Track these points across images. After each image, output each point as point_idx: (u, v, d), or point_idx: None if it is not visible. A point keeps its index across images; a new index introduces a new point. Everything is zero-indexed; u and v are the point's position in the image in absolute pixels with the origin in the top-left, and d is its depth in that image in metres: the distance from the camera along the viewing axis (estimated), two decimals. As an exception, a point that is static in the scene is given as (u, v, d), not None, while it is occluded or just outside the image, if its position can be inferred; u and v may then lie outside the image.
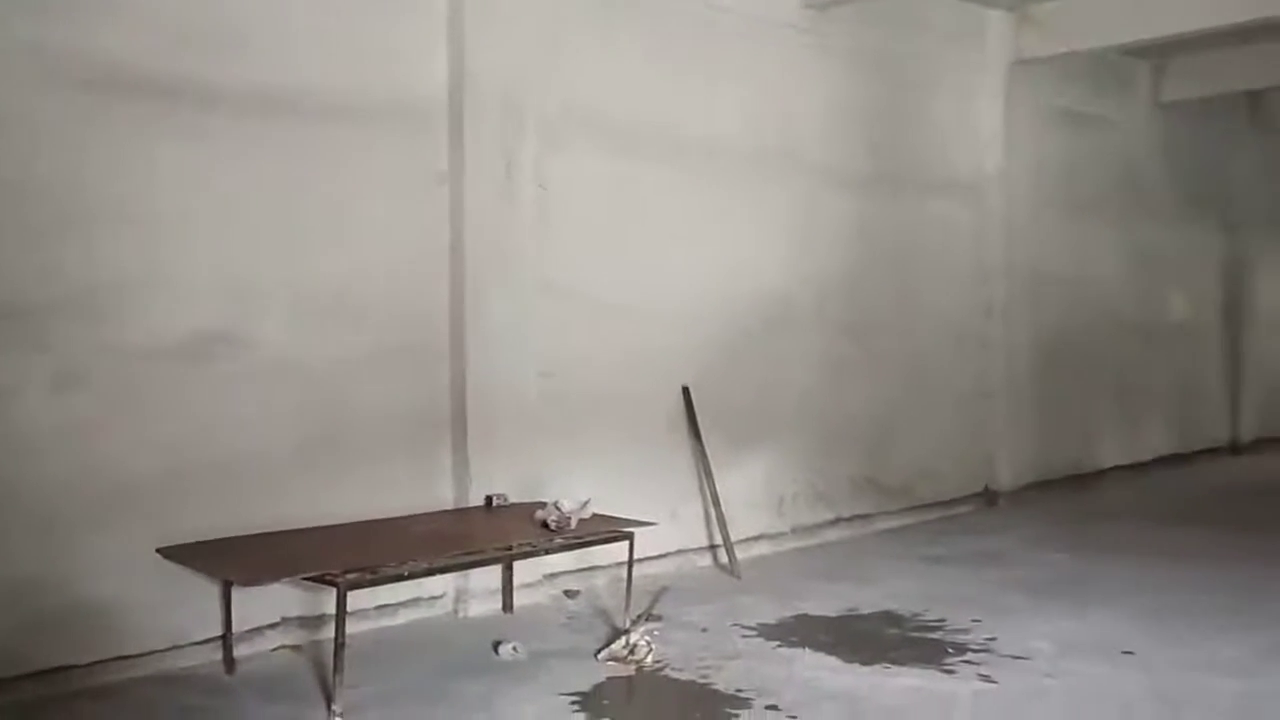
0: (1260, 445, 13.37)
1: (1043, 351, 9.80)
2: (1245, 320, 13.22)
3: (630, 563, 5.32)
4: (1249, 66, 10.75)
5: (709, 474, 6.83)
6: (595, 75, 6.37)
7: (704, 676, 4.63)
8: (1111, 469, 10.80)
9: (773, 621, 5.54)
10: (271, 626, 5.03)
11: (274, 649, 4.99)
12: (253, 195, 5.05)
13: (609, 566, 6.06)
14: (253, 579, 4.41)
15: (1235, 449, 13.02)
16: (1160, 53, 10.71)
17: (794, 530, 7.61)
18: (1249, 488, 10.48)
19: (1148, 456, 11.44)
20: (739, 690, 4.43)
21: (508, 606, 5.72)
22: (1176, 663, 4.88)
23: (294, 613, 5.09)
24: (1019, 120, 9.43)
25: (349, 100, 5.37)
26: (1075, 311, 10.31)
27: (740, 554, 6.87)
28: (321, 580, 4.31)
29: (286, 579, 4.51)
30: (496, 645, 5.00)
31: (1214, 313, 12.88)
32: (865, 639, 5.26)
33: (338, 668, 4.17)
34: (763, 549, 7.30)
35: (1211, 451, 12.62)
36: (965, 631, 5.34)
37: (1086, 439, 10.61)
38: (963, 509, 8.92)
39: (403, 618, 5.47)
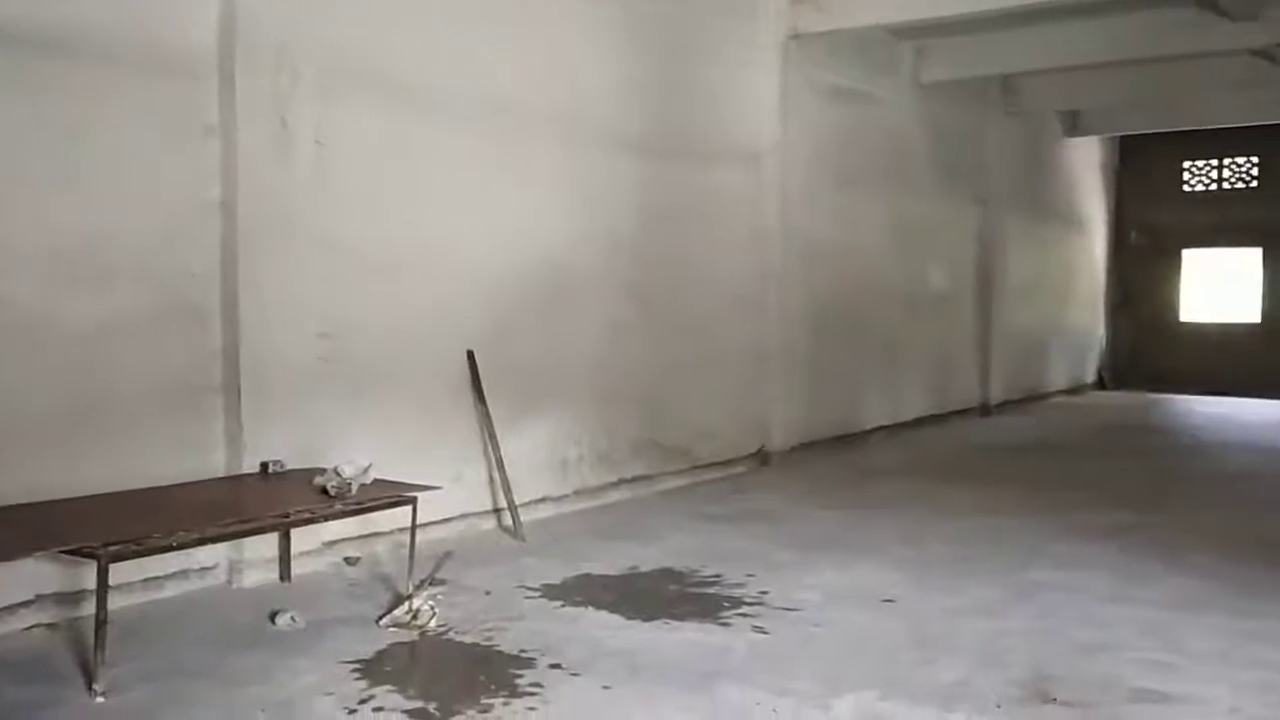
0: (1007, 406, 14.45)
1: (814, 317, 10.25)
2: (995, 290, 14.21)
3: (413, 528, 5.26)
4: (1001, 52, 11.52)
5: (493, 437, 6.82)
6: (377, 29, 6.18)
7: (488, 639, 4.65)
8: (876, 429, 11.43)
9: (557, 582, 5.61)
10: (25, 604, 4.71)
11: (27, 628, 4.67)
12: (4, 143, 4.67)
13: (392, 532, 5.98)
14: (3, 554, 4.10)
15: (985, 410, 14.01)
16: (922, 35, 11.33)
17: (578, 492, 7.69)
18: (999, 446, 11.31)
19: (909, 417, 12.16)
20: (523, 651, 4.46)
21: (285, 576, 5.56)
22: (934, 608, 5.23)
23: (51, 589, 4.78)
24: (794, 94, 9.78)
25: (107, 42, 5.01)
26: (844, 279, 10.81)
27: (525, 517, 6.90)
28: (80, 553, 4.06)
29: (41, 553, 4.22)
30: (273, 615, 4.85)
31: (969, 283, 13.79)
32: (646, 596, 5.39)
33: (99, 645, 3.95)
34: (547, 511, 7.35)
35: (965, 412, 13.54)
36: (740, 586, 5.55)
37: (854, 401, 11.18)
38: (739, 469, 9.24)
39: (171, 590, 5.22)
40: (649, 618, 4.98)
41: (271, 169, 5.58)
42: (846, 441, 10.78)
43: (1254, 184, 17.80)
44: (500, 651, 4.48)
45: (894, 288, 11.85)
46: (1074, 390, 17.25)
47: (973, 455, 10.69)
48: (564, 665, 4.28)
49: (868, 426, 11.35)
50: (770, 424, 9.70)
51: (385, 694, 3.99)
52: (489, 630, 4.76)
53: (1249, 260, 17.96)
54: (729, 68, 9.14)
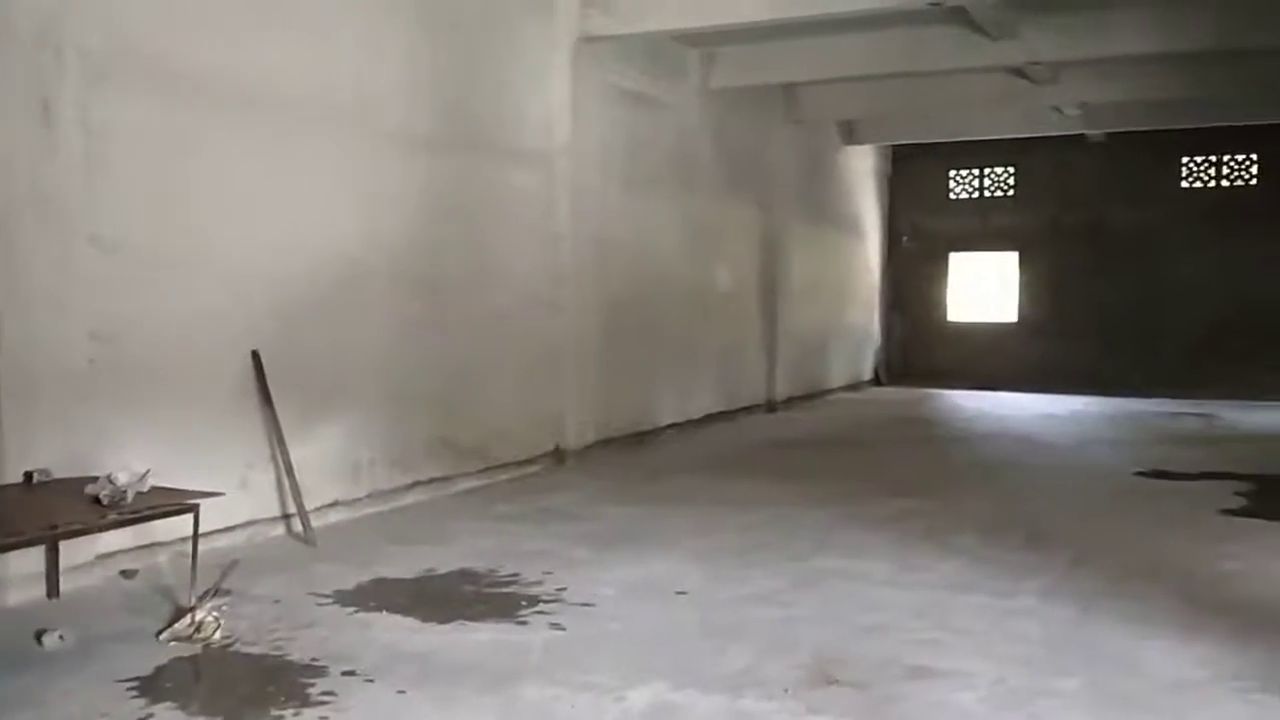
0: (792, 403, 15.02)
1: (607, 316, 10.38)
2: (780, 291, 14.75)
3: (195, 536, 5.01)
4: (784, 61, 11.99)
5: (281, 441, 6.60)
6: (158, 15, 5.88)
7: (277, 648, 4.50)
8: (668, 426, 11.67)
9: (349, 588, 5.48)
10: None
11: None
12: None
13: (173, 542, 5.68)
14: None
15: (772, 407, 14.52)
16: (709, 42, 11.67)
17: (371, 495, 7.53)
18: (785, 441, 11.73)
19: (699, 414, 12.48)
20: (314, 659, 4.35)
21: (53, 592, 5.21)
22: (724, 598, 5.40)
23: None
24: (586, 96, 9.88)
25: None
26: (636, 279, 11.00)
27: (316, 522, 6.71)
28: None
29: None
30: (40, 635, 4.54)
31: (754, 284, 14.25)
32: (442, 598, 5.34)
33: None
34: (340, 516, 7.16)
35: (752, 409, 13.99)
36: (538, 584, 5.57)
37: (647, 399, 11.38)
38: (535, 468, 9.26)
39: (-79, 613, 4.84)
40: (445, 620, 4.94)
41: (31, 158, 5.23)
42: (640, 439, 10.96)
43: (1011, 193, 19.16)
44: (290, 661, 4.35)
45: (684, 289, 12.13)
46: (853, 387, 18.10)
47: (761, 450, 11.06)
48: (358, 672, 4.20)
49: (661, 424, 11.58)
50: (565, 423, 9.77)
51: (165, 712, 3.81)
52: (278, 640, 4.61)
53: (1007, 263, 19.31)
54: (522, 67, 9.15)
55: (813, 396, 16.08)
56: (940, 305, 19.96)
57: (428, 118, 8.08)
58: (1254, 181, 17.60)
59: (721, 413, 13.07)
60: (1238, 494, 8.29)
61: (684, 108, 11.98)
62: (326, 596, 5.32)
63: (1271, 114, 14.39)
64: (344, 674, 4.18)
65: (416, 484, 7.97)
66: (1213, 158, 17.73)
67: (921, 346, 19.89)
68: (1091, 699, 4.01)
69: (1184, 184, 18.00)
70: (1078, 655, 4.51)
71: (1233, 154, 17.60)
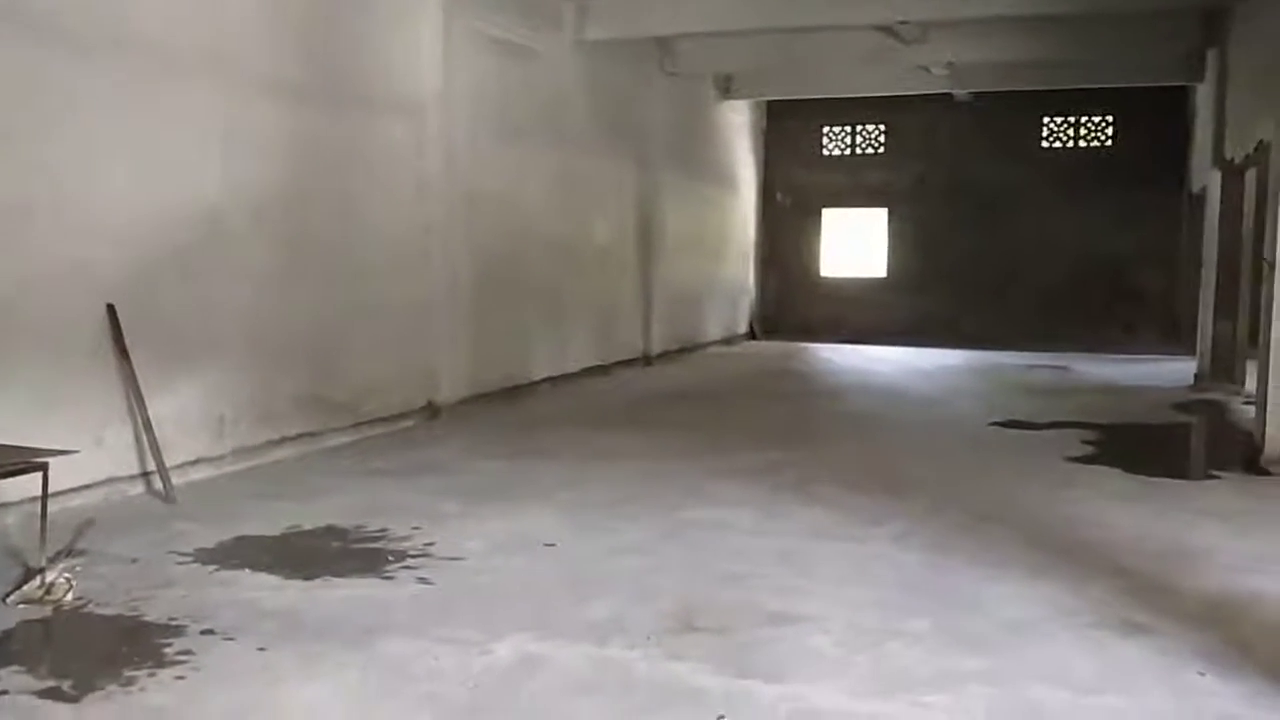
0: (667, 356, 15.18)
1: (480, 270, 10.30)
2: (655, 245, 14.83)
3: (44, 495, 4.82)
4: (658, 13, 11.99)
5: (139, 396, 6.40)
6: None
7: (133, 609, 4.40)
8: (543, 380, 11.68)
9: (211, 546, 5.37)
10: None
11: None
12: None
13: (21, 502, 5.47)
14: None
15: (648, 360, 14.65)
16: (584, -8, 11.59)
17: (236, 452, 7.36)
18: (660, 394, 11.87)
19: (575, 368, 12.51)
20: (172, 619, 4.26)
21: (-110, 557, 5.00)
22: (592, 549, 5.46)
23: None
24: (457, 45, 9.72)
25: None
26: (510, 233, 10.93)
27: (179, 479, 6.55)
28: None
29: None
30: (-123, 600, 4.36)
31: (630, 238, 14.30)
32: (308, 555, 5.28)
33: None
34: (204, 473, 7.00)
35: (629, 363, 14.09)
36: (406, 539, 5.55)
37: (521, 353, 11.36)
38: (407, 423, 9.18)
39: None
40: (309, 577, 4.89)
41: None
42: (515, 393, 10.95)
43: (881, 150, 19.58)
44: (147, 621, 4.26)
45: (559, 242, 12.10)
46: (728, 340, 18.36)
47: (636, 403, 11.16)
48: (217, 630, 4.13)
49: (536, 378, 11.57)
50: (439, 377, 9.69)
51: (11, 676, 3.70)
52: (135, 600, 4.50)
53: (878, 220, 19.77)
54: (391, 15, 8.94)
55: (688, 350, 16.27)
56: (813, 261, 20.35)
57: (292, 64, 7.85)
58: (1109, 143, 18.35)
59: (598, 366, 13.13)
60: (1085, 442, 8.72)
61: (558, 59, 11.88)
62: (186, 555, 5.21)
63: (1128, 77, 14.98)
64: (202, 633, 4.11)
65: (284, 440, 7.82)
66: (1072, 119, 18.41)
67: (795, 301, 20.27)
68: (938, 638, 4.20)
69: (1044, 144, 18.67)
70: (928, 597, 4.71)
71: (1090, 115, 18.30)
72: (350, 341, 8.54)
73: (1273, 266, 7.39)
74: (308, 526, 5.82)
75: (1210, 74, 12.89)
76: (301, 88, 7.92)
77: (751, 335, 19.58)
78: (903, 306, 19.15)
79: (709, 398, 11.76)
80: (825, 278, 20.32)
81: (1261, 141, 8.20)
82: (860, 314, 19.36)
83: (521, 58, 11.06)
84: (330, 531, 5.74)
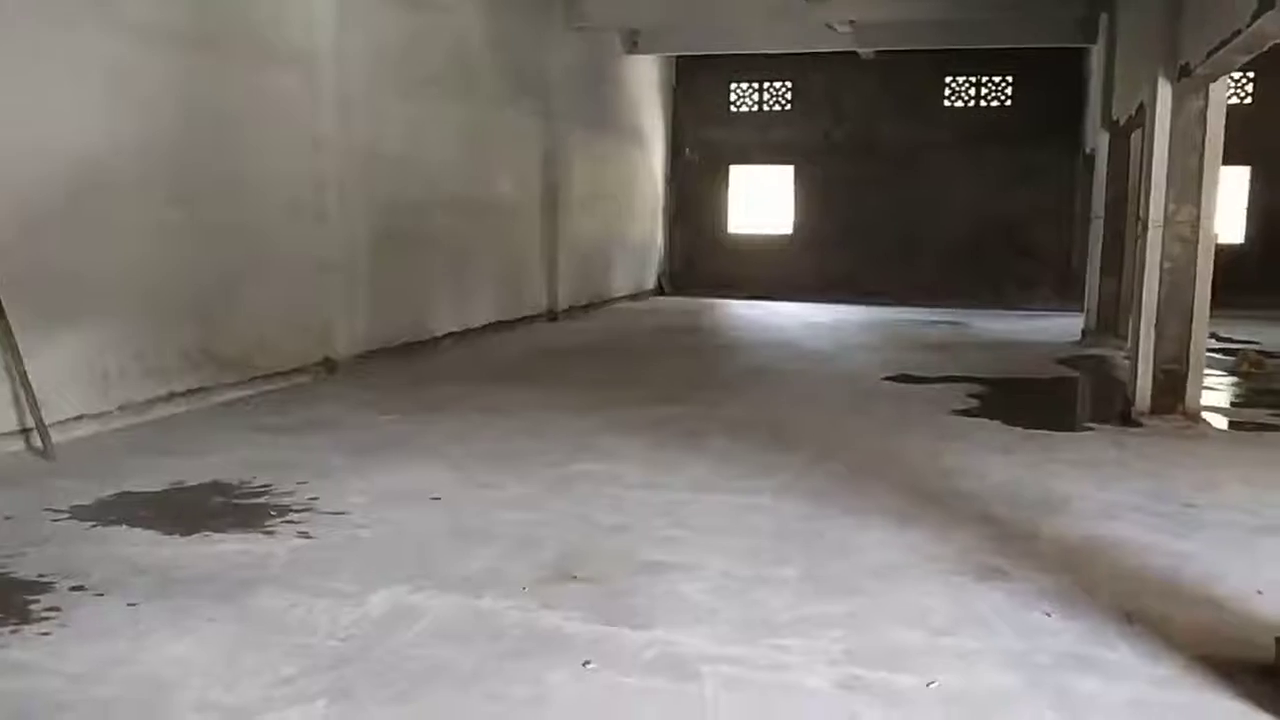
0: (574, 312, 15.22)
1: (379, 224, 10.20)
2: (561, 201, 14.80)
3: (-89, 453, 4.77)
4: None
5: (15, 351, 6.25)
6: None
7: (2, 566, 4.35)
8: (445, 336, 11.65)
9: (89, 503, 5.32)
10: None
11: None
12: None
13: (-112, 460, 5.38)
14: None
15: (553, 315, 14.67)
16: (488, -56, 11.43)
17: (123, 408, 7.25)
18: (563, 349, 11.91)
19: (479, 323, 12.49)
20: (41, 575, 4.23)
21: None
22: (477, 502, 5.52)
23: None
24: (354, -5, 9.57)
25: None
26: (411, 186, 10.82)
27: (60, 436, 6.45)
28: None
29: None
30: None
31: (535, 193, 14.25)
32: (189, 510, 5.25)
33: None
34: (87, 429, 6.88)
35: (534, 318, 14.11)
36: (290, 494, 5.55)
37: (423, 308, 11.30)
38: (302, 378, 9.10)
39: None
40: (188, 531, 4.87)
41: None
42: (415, 348, 10.91)
43: (789, 107, 19.72)
44: (15, 578, 4.21)
45: (462, 197, 12.02)
46: (636, 296, 18.45)
47: (537, 358, 11.20)
48: (87, 586, 4.11)
49: (438, 333, 11.53)
50: (335, 332, 9.62)
51: (-128, 634, 3.65)
52: (4, 557, 4.45)
53: (784, 177, 19.94)
54: (282, -39, 8.75)
55: (595, 306, 16.32)
56: (722, 217, 20.48)
57: (179, 11, 7.66)
58: (1009, 102, 18.71)
59: (502, 322, 13.13)
60: (971, 395, 9.00)
61: (460, 11, 11.74)
62: (62, 512, 5.15)
63: (1026, 38, 15.27)
64: (72, 589, 4.09)
65: (174, 395, 7.72)
66: (973, 78, 18.72)
67: (704, 257, 20.41)
68: (805, 584, 4.34)
69: (947, 103, 18.97)
70: (800, 546, 4.86)
71: (990, 76, 18.63)
72: (243, 296, 8.43)
73: (1146, 226, 7.67)
74: (191, 482, 5.78)
75: (1101, 37, 13.22)
76: (189, 36, 7.74)
77: (660, 291, 19.69)
78: (808, 263, 19.41)
79: (611, 353, 11.84)
80: (733, 234, 20.48)
81: (1141, 104, 8.46)
82: (767, 270, 19.58)
83: (423, 9, 10.90)
84: (214, 487, 5.71)
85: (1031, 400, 9.22)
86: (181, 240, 7.74)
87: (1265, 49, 6.19)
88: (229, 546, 4.71)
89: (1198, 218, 7.54)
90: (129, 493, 5.54)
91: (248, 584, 4.20)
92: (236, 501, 5.44)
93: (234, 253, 8.31)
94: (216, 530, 4.92)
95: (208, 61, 7.95)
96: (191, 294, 7.87)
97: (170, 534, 4.85)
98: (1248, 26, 5.63)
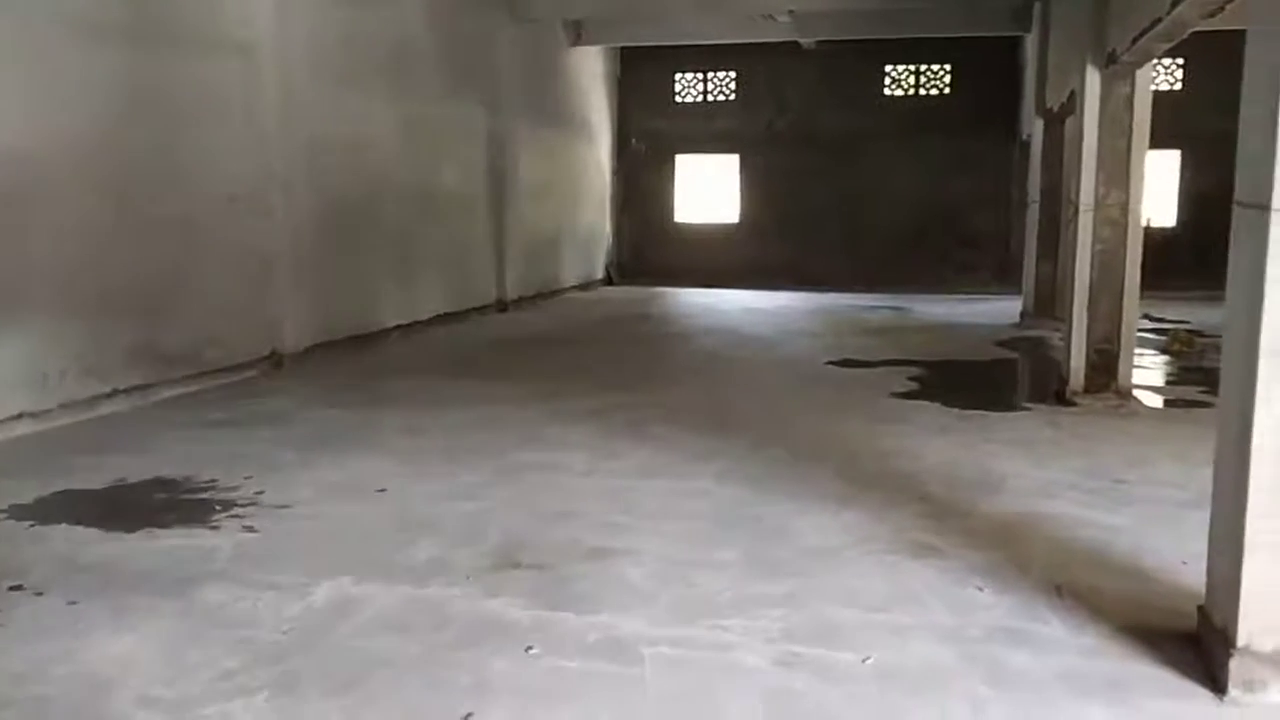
0: (523, 302, 15.24)
1: (324, 217, 10.16)
2: (509, 192, 14.81)
3: None
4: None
5: (-49, 353, 6.20)
6: None
7: (-60, 568, 4.33)
8: (394, 328, 11.63)
9: (29, 502, 5.28)
10: None
11: None
12: None
13: None
14: None
15: (502, 306, 14.68)
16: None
17: (64, 406, 7.19)
18: (511, 340, 11.95)
19: (426, 315, 12.48)
20: (-20, 575, 4.22)
21: None
22: (424, 494, 5.55)
23: None
24: (293, -14, 9.51)
25: None
26: (356, 179, 10.79)
27: (0, 436, 6.39)
28: None
29: None
30: None
31: (482, 184, 14.24)
32: (131, 507, 5.24)
33: None
34: (27, 428, 6.82)
35: (483, 309, 14.11)
36: (235, 489, 5.55)
37: (370, 300, 11.27)
38: (250, 373, 9.06)
39: None
40: (131, 529, 4.86)
41: None
42: (363, 341, 10.88)
43: (733, 97, 19.84)
44: (-48, 580, 4.20)
45: (407, 188, 11.99)
46: (584, 286, 18.49)
47: (486, 350, 11.22)
48: (26, 585, 4.10)
49: (386, 325, 11.52)
50: (282, 326, 9.58)
51: None
52: (-59, 559, 4.43)
53: (730, 165, 20.07)
54: (218, -46, 8.68)
55: (545, 296, 16.35)
56: (669, 206, 20.57)
57: (111, 2, 7.57)
58: (948, 91, 18.96)
59: (451, 313, 13.12)
60: (911, 379, 9.17)
61: (404, 3, 11.70)
62: (1, 511, 5.11)
63: (964, 27, 15.50)
64: (10, 589, 4.07)
65: (117, 393, 7.66)
66: (912, 67, 18.95)
67: (651, 246, 20.50)
68: (743, 567, 4.44)
69: (887, 92, 19.18)
70: (740, 529, 4.95)
71: (929, 64, 18.87)
72: (187, 291, 8.37)
73: (1077, 210, 7.85)
74: (135, 479, 5.76)
75: (1035, 26, 13.45)
76: (124, 28, 7.66)
77: (609, 280, 19.74)
78: (754, 251, 19.57)
79: (559, 343, 11.88)
80: (680, 223, 20.59)
81: (1073, 91, 8.65)
82: (713, 259, 19.71)
83: (365, 1, 10.85)
84: (158, 483, 5.69)
85: (970, 382, 9.40)
86: (121, 236, 7.67)
87: (1186, 36, 6.37)
88: (172, 542, 4.71)
89: (1127, 201, 7.72)
90: (70, 491, 5.51)
91: (191, 579, 4.21)
92: (181, 497, 5.43)
93: (176, 248, 8.25)
94: (160, 526, 4.91)
95: (143, 54, 7.88)
96: (133, 290, 7.81)
97: (112, 531, 4.83)
98: (1168, 14, 5.79)
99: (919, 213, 18.80)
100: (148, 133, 7.93)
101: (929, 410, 7.86)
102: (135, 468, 5.97)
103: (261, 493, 5.48)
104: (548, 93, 16.57)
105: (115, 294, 7.64)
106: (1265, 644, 3.24)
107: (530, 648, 3.61)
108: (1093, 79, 7.75)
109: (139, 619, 3.82)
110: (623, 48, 19.20)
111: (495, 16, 14.14)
